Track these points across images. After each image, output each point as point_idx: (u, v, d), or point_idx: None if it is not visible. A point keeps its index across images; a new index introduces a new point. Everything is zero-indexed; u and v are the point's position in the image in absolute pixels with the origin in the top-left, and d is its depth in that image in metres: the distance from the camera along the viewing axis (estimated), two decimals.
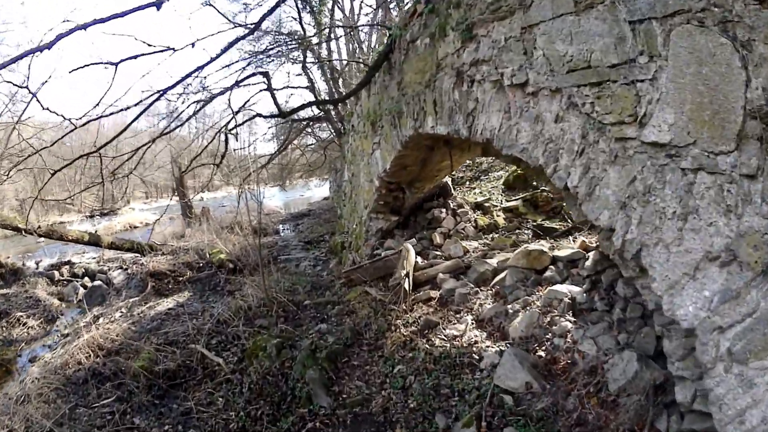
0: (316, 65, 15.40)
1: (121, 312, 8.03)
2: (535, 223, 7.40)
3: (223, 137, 7.88)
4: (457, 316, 4.93)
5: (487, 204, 8.24)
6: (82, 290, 10.13)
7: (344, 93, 15.16)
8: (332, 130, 17.75)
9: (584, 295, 4.15)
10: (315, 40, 14.43)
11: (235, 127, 8.59)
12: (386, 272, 6.46)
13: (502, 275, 5.24)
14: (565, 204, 8.33)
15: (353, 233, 8.83)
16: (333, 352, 4.79)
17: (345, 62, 15.39)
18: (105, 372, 5.34)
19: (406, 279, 5.66)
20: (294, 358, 4.69)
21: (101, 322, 7.84)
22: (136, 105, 6.26)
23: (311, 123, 18.47)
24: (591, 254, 4.62)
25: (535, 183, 8.82)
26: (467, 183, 9.23)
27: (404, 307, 5.38)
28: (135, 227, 19.94)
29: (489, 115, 3.51)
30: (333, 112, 15.99)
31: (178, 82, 5.83)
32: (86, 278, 10.63)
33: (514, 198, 8.41)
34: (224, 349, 5.29)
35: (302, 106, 6.69)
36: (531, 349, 3.89)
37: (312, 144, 20.37)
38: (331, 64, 16.15)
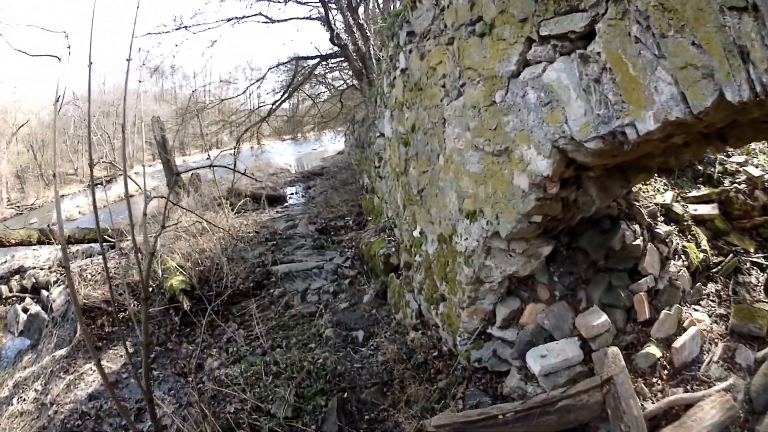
0: None
1: (36, 391, 5.36)
2: (752, 258, 3.94)
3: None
4: None
5: (676, 209, 4.14)
6: (23, 316, 7.69)
7: (366, 28, 11.09)
8: (347, 76, 13.89)
9: None
10: None
11: None
12: None
13: None
14: None
15: (414, 248, 4.50)
16: None
17: None
18: None
19: None
20: None
21: (12, 411, 5.24)
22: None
23: (323, 62, 14.54)
24: None
25: (700, 167, 4.86)
26: None
27: None
28: (131, 196, 17.28)
29: None
30: (352, 48, 12.01)
31: None
32: (29, 299, 8.10)
33: (693, 195, 4.46)
34: None
35: None
36: None
37: (324, 92, 16.50)
38: None
